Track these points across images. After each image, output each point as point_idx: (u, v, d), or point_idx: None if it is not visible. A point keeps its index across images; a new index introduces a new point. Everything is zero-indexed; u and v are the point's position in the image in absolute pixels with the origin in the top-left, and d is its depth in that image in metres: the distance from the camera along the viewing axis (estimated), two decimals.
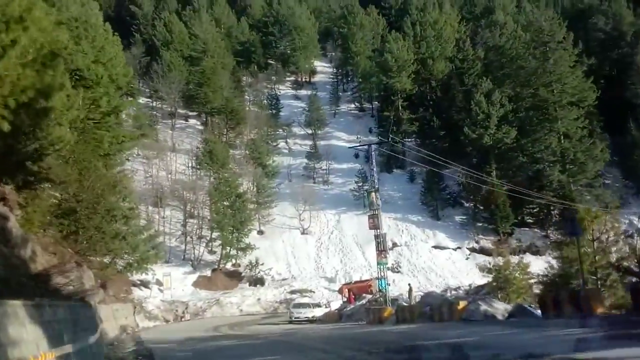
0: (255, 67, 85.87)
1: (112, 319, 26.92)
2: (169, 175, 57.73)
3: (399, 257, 50.86)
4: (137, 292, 39.17)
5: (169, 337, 22.45)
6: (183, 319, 36.74)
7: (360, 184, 59.54)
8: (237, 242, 47.28)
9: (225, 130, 68.87)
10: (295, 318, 29.44)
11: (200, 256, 48.37)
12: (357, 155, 71.39)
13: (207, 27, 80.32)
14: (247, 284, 46.67)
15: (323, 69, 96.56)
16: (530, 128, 54.76)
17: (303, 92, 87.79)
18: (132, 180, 53.56)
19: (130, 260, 31.25)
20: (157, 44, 78.74)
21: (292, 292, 44.29)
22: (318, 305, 31.91)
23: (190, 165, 60.36)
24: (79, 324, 12.57)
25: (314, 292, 44.34)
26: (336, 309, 31.02)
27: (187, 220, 51.21)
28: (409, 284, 37.90)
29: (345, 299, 33.39)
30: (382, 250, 26.55)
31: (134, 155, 60.65)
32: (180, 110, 74.98)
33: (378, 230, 26.45)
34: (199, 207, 52.82)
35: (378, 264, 27.24)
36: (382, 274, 26.94)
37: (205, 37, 78.98)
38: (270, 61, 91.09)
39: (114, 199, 31.57)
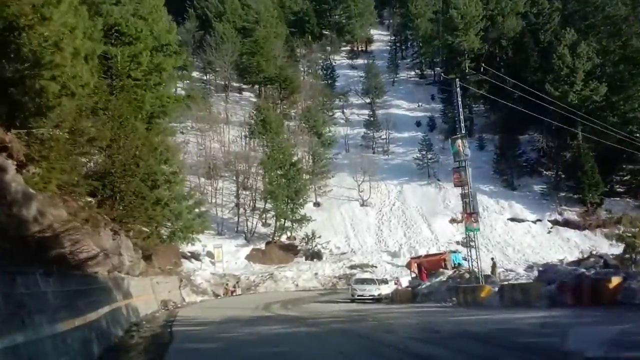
0: (309, 37, 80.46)
1: (151, 292, 22.90)
2: (222, 147, 53.77)
3: None
4: (187, 265, 35.42)
5: (209, 316, 17.99)
6: (234, 294, 32.64)
7: (424, 152, 53.48)
8: (292, 213, 42.71)
9: (279, 100, 64.17)
10: (358, 296, 24.31)
11: (254, 228, 44.24)
12: (418, 124, 65.35)
13: None
14: (303, 257, 42.12)
15: (380, 37, 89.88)
16: (621, 84, 46.57)
17: (359, 61, 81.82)
18: (183, 150, 50.30)
19: (174, 229, 27.11)
20: (209, 16, 75.03)
21: (352, 267, 39.36)
22: (384, 282, 26.64)
23: (243, 135, 56.13)
24: (37, 301, 7.97)
25: (375, 267, 39.23)
26: (408, 287, 25.56)
27: (240, 192, 47.10)
28: (492, 259, 32.10)
29: (414, 275, 27.93)
30: (471, 212, 20.72)
31: (188, 128, 57.54)
32: (234, 84, 71.02)
33: (465, 189, 20.62)
34: (252, 177, 48.64)
35: (467, 230, 21.53)
36: (472, 242, 21.15)
37: (257, 7, 74.51)
38: (324, 31, 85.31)
39: (154, 162, 27.47)
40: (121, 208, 24.73)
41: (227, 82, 68.73)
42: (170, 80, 32.73)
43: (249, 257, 41.12)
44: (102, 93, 26.77)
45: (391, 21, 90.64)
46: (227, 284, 32.78)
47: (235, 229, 44.93)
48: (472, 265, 21.01)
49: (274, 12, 76.61)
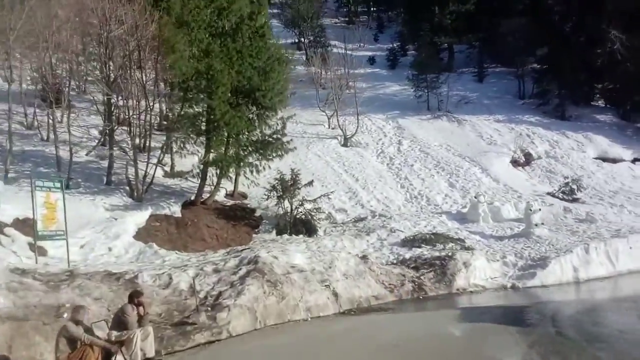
0: None
1: None
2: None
3: (551, 175, 23.51)
4: None
5: None
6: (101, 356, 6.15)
7: (413, 81, 31.64)
8: (249, 128, 16.88)
9: None
10: None
11: (149, 178, 17.24)
12: (372, 60, 43.93)
13: None
14: (274, 232, 16.56)
15: None
16: None
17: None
18: None
19: None
20: None
21: (405, 242, 15.33)
22: None
23: None
24: None
25: (462, 240, 15.67)
26: None
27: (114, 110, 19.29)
28: None
29: None
30: None
31: None
32: None
33: None
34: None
35: None
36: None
37: None
38: None
39: None
40: None
41: None
42: None
43: (143, 235, 14.33)
44: None
45: None
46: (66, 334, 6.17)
47: (104, 179, 17.48)
48: None
49: None
